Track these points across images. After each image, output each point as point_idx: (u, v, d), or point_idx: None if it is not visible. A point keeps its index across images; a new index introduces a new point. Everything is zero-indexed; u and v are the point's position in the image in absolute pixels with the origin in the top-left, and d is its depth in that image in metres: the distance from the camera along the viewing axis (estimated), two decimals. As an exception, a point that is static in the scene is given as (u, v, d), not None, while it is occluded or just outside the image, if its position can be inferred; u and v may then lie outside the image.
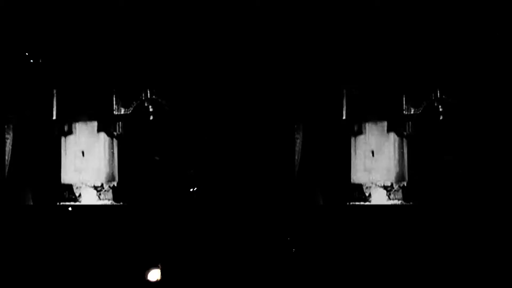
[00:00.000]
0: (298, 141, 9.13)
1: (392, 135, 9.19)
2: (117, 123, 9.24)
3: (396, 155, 9.18)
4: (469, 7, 8.90)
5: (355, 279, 8.69)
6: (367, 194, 9.18)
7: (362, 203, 9.15)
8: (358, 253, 8.81)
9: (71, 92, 9.26)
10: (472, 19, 8.91)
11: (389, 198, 9.16)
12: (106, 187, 9.17)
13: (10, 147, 9.09)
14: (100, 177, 9.19)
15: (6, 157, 9.07)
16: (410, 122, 9.15)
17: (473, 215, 8.80)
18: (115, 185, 9.22)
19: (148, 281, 8.49)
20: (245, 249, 8.83)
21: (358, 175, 9.18)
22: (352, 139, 9.19)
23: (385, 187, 9.17)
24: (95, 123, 9.25)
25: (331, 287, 8.69)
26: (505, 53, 8.91)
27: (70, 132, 9.24)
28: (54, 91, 9.21)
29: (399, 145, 9.21)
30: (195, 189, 9.17)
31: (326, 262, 8.78)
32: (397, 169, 9.18)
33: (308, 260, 8.80)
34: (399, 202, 9.14)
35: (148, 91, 9.23)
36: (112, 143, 9.27)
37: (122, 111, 9.24)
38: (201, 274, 8.72)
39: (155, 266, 8.52)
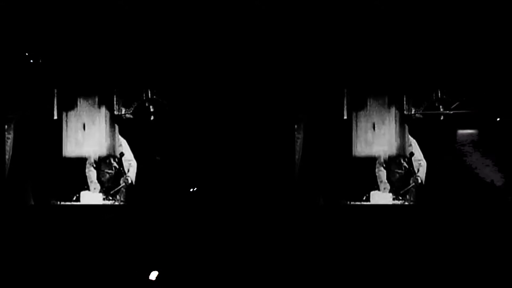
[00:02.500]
0: (298, 141, 9.13)
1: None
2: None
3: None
4: (469, 7, 8.91)
5: (356, 280, 8.70)
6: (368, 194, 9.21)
7: (363, 203, 9.16)
8: (359, 253, 8.82)
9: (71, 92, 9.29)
10: (472, 19, 8.93)
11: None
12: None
13: (11, 147, 9.09)
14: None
15: (7, 157, 9.07)
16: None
17: (474, 216, 8.82)
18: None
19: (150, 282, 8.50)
20: (245, 249, 8.84)
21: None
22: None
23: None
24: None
25: (332, 287, 8.70)
26: (505, 53, 8.92)
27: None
28: (55, 91, 9.23)
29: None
30: (195, 189, 9.17)
31: (327, 262, 8.79)
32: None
33: (308, 260, 8.80)
34: (400, 202, 9.15)
35: (149, 91, 9.25)
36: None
37: (123, 111, 9.26)
38: (200, 274, 8.73)
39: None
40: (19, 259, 8.75)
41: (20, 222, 8.96)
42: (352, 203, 9.15)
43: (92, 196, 9.21)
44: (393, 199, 9.17)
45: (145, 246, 8.83)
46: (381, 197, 9.19)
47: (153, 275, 8.48)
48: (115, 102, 9.25)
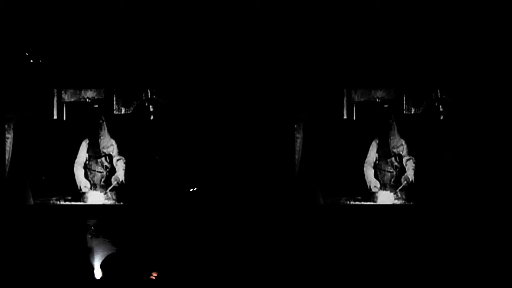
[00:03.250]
0: (298, 140, 9.13)
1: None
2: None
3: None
4: (469, 7, 8.90)
5: (355, 280, 8.70)
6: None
7: (362, 202, 9.15)
8: (359, 253, 8.82)
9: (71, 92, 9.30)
10: (472, 19, 8.92)
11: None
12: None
13: (11, 147, 9.08)
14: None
15: (7, 157, 9.06)
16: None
17: (474, 216, 8.82)
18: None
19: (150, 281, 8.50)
20: (245, 249, 8.84)
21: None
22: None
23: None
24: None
25: (331, 287, 8.70)
26: (505, 53, 8.92)
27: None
28: (55, 91, 9.22)
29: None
30: (195, 189, 9.17)
31: (326, 262, 8.79)
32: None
33: (308, 260, 8.80)
34: (399, 202, 9.14)
35: (149, 91, 9.24)
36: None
37: (123, 111, 9.25)
38: (200, 274, 8.73)
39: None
40: (19, 259, 8.76)
41: (19, 222, 8.96)
42: (351, 202, 9.15)
43: (92, 196, 9.22)
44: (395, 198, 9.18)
45: (145, 246, 8.84)
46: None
47: (153, 276, 8.48)
48: (114, 102, 9.25)
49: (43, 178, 9.10)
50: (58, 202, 9.14)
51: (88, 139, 9.23)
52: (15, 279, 8.66)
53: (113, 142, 9.25)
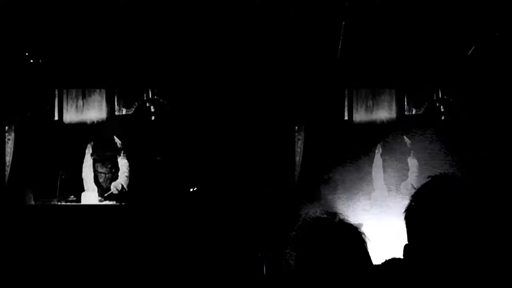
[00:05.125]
0: (299, 142, 9.13)
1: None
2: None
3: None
4: (469, 7, 8.91)
5: (354, 280, 8.70)
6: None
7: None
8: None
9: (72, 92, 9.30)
10: (472, 20, 8.93)
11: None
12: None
13: (12, 148, 9.08)
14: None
15: (7, 158, 9.06)
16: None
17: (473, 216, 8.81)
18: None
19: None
20: (244, 250, 8.85)
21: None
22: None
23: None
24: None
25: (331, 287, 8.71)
26: (505, 53, 8.93)
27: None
28: (56, 91, 9.22)
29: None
30: (195, 189, 9.18)
31: (326, 263, 8.79)
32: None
33: (308, 261, 8.80)
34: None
35: (150, 92, 9.25)
36: None
37: (124, 111, 9.26)
38: (199, 275, 8.75)
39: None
40: (19, 259, 8.76)
41: (20, 222, 8.96)
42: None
43: (92, 196, 9.22)
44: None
45: (144, 247, 8.84)
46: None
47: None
48: (116, 102, 9.26)
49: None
50: (59, 203, 9.15)
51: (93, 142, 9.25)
52: (15, 279, 8.66)
53: (118, 144, 9.25)
